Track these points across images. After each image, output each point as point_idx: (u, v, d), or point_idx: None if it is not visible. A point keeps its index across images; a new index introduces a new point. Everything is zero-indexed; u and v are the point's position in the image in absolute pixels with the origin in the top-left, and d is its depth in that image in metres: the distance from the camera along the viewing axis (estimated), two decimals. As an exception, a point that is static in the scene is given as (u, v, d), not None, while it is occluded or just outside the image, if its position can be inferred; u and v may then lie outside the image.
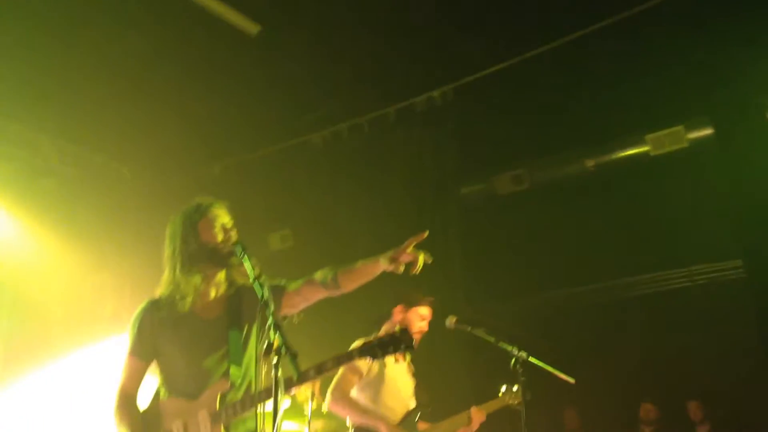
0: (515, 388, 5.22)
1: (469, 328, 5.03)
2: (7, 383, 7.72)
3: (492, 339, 4.89)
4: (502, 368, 4.87)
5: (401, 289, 5.38)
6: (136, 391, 3.63)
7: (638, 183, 7.47)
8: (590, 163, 7.64)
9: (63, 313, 8.22)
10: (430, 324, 5.27)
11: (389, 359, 5.09)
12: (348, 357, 3.49)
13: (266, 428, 3.13)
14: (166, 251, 3.71)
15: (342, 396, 4.93)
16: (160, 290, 3.69)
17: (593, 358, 7.54)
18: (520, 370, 4.72)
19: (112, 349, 7.93)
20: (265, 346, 3.10)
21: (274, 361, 3.06)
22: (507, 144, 7.71)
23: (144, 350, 3.60)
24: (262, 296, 3.24)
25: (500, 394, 5.29)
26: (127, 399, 3.57)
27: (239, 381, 3.54)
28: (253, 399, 3.37)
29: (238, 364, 3.57)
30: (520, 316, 8.26)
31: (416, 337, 5.20)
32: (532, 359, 4.75)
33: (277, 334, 3.10)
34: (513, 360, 4.75)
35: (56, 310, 8.19)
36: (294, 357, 3.10)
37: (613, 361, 7.68)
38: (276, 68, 7.15)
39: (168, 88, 7.23)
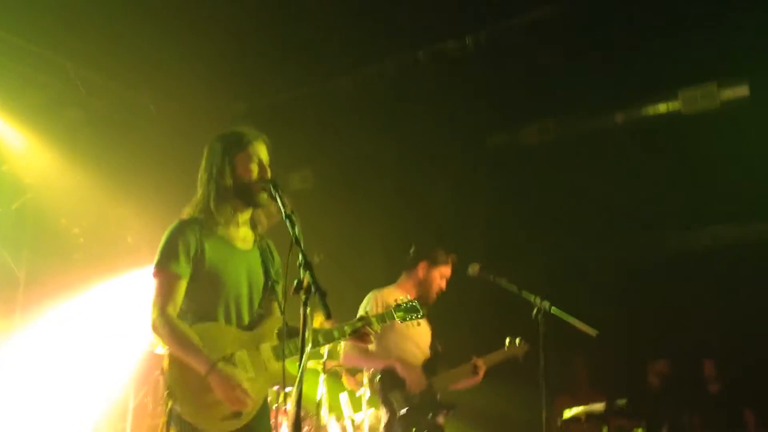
0: (518, 340, 5.28)
1: (491, 277, 5.04)
2: (30, 312, 7.84)
3: (514, 288, 4.90)
4: (521, 319, 4.89)
5: (427, 245, 5.43)
6: (175, 310, 3.48)
7: (667, 140, 7.37)
8: (620, 117, 7.55)
9: (85, 243, 8.29)
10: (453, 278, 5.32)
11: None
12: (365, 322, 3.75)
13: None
14: (202, 174, 3.69)
15: (353, 348, 4.98)
16: (190, 211, 3.65)
17: (612, 314, 7.54)
18: (542, 321, 4.72)
19: (134, 281, 8.03)
20: (294, 284, 3.13)
21: (304, 299, 3.10)
22: (536, 95, 7.62)
23: (186, 267, 3.50)
24: (294, 234, 3.25)
25: (505, 347, 5.32)
26: (175, 318, 3.43)
27: (279, 316, 3.61)
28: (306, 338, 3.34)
29: (276, 299, 3.61)
30: (542, 271, 8.23)
31: (434, 296, 5.34)
32: (554, 310, 4.76)
33: (307, 273, 3.12)
34: (535, 310, 4.76)
35: (78, 240, 8.26)
36: (323, 296, 3.13)
37: (631, 317, 7.68)
38: (302, 10, 7.06)
39: (198, 26, 7.16)
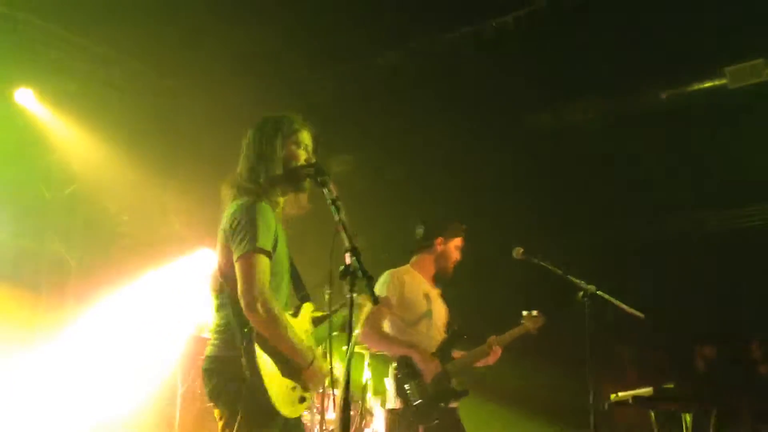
0: (534, 313, 5.23)
1: (536, 260, 5.01)
2: (82, 297, 8.00)
3: (559, 271, 4.88)
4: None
5: (438, 220, 5.42)
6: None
7: (713, 117, 7.25)
8: (664, 94, 7.43)
9: (133, 230, 8.43)
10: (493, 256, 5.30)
11: (419, 289, 5.15)
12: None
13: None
14: (250, 153, 3.64)
15: (372, 328, 4.97)
16: (242, 189, 3.56)
17: (655, 293, 7.47)
18: (588, 304, 4.69)
19: (181, 266, 8.16)
20: (341, 269, 3.15)
21: (350, 284, 3.12)
22: (578, 73, 7.53)
23: (271, 247, 3.42)
24: (339, 219, 3.27)
25: (522, 321, 5.27)
26: (274, 302, 3.33)
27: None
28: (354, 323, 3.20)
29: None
30: (582, 249, 8.18)
31: (451, 267, 5.33)
32: (600, 293, 4.72)
33: (354, 258, 3.14)
34: (581, 293, 4.72)
35: (126, 227, 8.40)
36: (370, 280, 3.15)
37: (675, 297, 7.60)
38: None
39: (232, 7, 7.19)
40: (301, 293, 3.73)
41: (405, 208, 8.67)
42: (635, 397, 5.45)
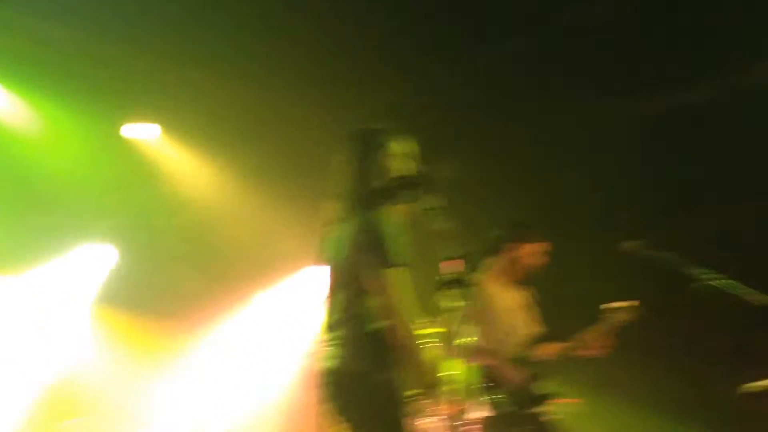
0: (622, 304, 5.03)
1: (653, 253, 4.81)
2: (203, 324, 8.25)
3: (679, 262, 4.67)
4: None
5: (509, 226, 5.29)
6: None
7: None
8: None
9: (245, 254, 8.62)
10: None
11: (497, 290, 5.03)
12: None
13: None
14: (349, 171, 3.65)
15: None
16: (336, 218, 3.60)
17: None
18: (711, 295, 4.49)
19: (291, 286, 8.30)
20: (440, 279, 3.17)
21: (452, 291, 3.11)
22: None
23: None
24: (442, 227, 3.28)
25: (606, 316, 5.06)
26: None
27: None
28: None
29: None
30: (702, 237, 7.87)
31: (525, 273, 5.22)
32: (721, 283, 4.50)
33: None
34: (701, 284, 4.52)
35: (238, 251, 8.59)
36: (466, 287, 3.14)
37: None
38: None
39: (334, 22, 7.25)
40: None
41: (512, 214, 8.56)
42: (768, 388, 5.16)
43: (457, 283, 3.12)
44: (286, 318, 8.39)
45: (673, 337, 7.36)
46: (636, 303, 5.08)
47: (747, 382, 5.28)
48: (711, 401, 4.43)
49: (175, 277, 8.61)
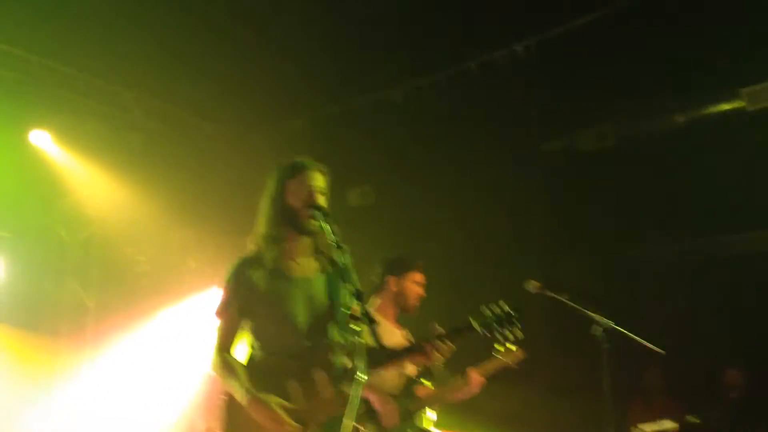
0: (512, 347, 5.14)
1: (552, 293, 4.92)
2: (100, 339, 8.02)
3: (577, 305, 4.79)
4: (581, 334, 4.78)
5: (388, 257, 5.29)
6: (233, 348, 3.67)
7: (732, 139, 7.13)
8: (680, 118, 7.35)
9: (150, 270, 8.46)
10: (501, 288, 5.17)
11: (382, 326, 5.02)
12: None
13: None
14: (260, 206, 3.77)
15: None
16: (250, 245, 3.74)
17: (678, 319, 7.35)
18: (605, 338, 4.60)
19: (198, 304, 8.17)
20: (348, 314, 3.13)
21: (358, 328, 3.08)
22: (591, 99, 7.48)
23: (238, 307, 3.63)
24: (343, 263, 3.25)
25: (495, 355, 5.16)
26: (228, 355, 3.62)
27: (339, 342, 3.59)
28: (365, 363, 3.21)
29: (334, 326, 3.62)
30: (601, 275, 8.08)
31: (414, 304, 5.15)
32: (618, 328, 4.62)
33: (359, 302, 3.13)
34: (600, 329, 4.62)
35: (143, 267, 8.43)
36: (373, 324, 3.12)
37: (697, 323, 7.46)
38: (354, 23, 7.07)
39: (249, 44, 7.23)
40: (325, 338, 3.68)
41: (426, 243, 8.61)
42: (659, 432, 5.32)
43: (356, 318, 3.08)
44: (189, 336, 8.19)
45: (570, 375, 7.52)
46: (521, 353, 5.16)
47: (636, 423, 5.44)
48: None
49: (72, 293, 8.31)
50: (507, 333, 3.87)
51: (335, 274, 3.67)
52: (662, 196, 7.58)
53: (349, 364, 3.52)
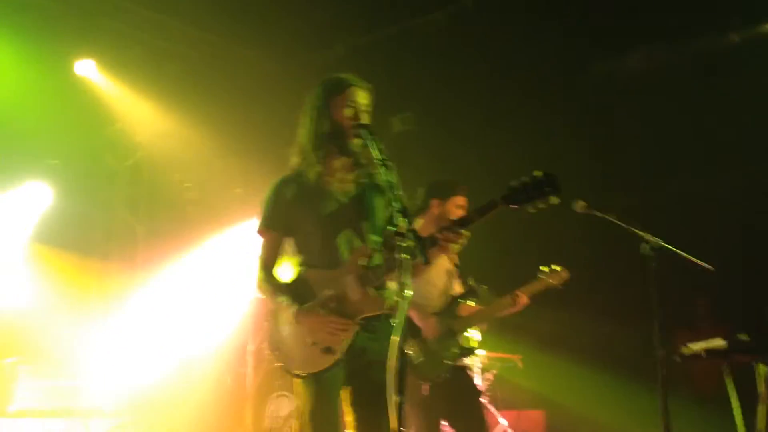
0: (558, 268, 5.12)
1: (599, 213, 4.85)
2: (150, 264, 8.17)
3: (623, 224, 4.73)
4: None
5: (434, 181, 5.26)
6: (276, 266, 3.70)
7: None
8: (735, 37, 7.11)
9: (198, 196, 8.54)
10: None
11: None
12: (491, 206, 3.33)
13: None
14: (303, 120, 3.71)
15: None
16: (295, 159, 3.70)
17: (727, 246, 7.25)
18: (653, 257, 4.54)
19: (244, 231, 8.24)
20: (392, 231, 3.10)
21: (399, 245, 3.06)
22: (640, 18, 7.24)
23: (280, 224, 3.65)
24: (388, 180, 3.21)
25: (540, 276, 5.14)
26: (272, 272, 3.66)
27: (377, 248, 3.58)
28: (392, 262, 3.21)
29: (374, 234, 3.63)
30: (653, 204, 7.97)
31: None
32: (666, 245, 4.56)
33: (404, 219, 3.09)
34: (646, 246, 4.56)
35: (191, 194, 8.51)
36: (421, 242, 3.10)
37: (750, 248, 7.35)
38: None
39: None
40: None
41: (467, 165, 8.55)
42: (708, 350, 5.26)
43: (401, 236, 3.05)
44: (236, 262, 8.31)
45: (618, 297, 7.50)
46: (567, 274, 5.14)
47: (685, 344, 5.40)
48: (651, 361, 4.47)
49: (122, 219, 8.46)
50: (538, 202, 3.30)
51: (374, 190, 3.67)
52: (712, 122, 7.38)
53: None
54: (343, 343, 3.46)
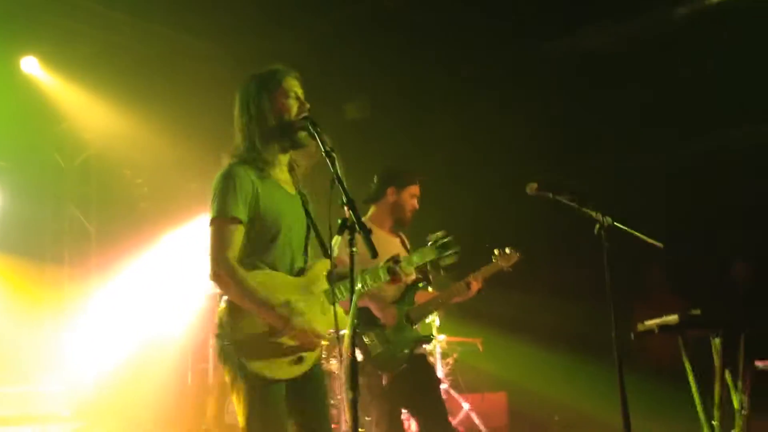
0: (508, 250, 5.15)
1: (551, 194, 4.87)
2: (103, 262, 8.07)
3: (575, 205, 4.74)
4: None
5: (390, 168, 5.27)
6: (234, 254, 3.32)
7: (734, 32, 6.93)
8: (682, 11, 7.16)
9: (149, 192, 8.43)
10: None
11: (378, 236, 5.01)
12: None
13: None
14: (240, 117, 3.49)
15: None
16: (237, 156, 3.45)
17: (689, 215, 7.36)
18: (605, 236, 4.57)
19: (200, 226, 8.16)
20: (339, 223, 3.08)
21: (348, 238, 3.04)
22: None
23: (244, 212, 3.32)
24: (334, 172, 3.18)
25: (494, 259, 5.18)
26: (237, 266, 3.26)
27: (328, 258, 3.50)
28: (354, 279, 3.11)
29: (322, 241, 3.56)
30: (608, 178, 8.04)
31: (409, 216, 5.15)
32: (617, 224, 4.59)
33: (351, 212, 3.07)
34: (597, 226, 4.59)
35: (143, 190, 8.40)
36: (367, 234, 3.07)
37: (708, 218, 7.45)
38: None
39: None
40: (323, 249, 3.60)
41: (424, 154, 8.53)
42: (661, 326, 5.32)
43: (353, 228, 3.03)
44: (192, 258, 8.23)
45: (572, 277, 7.56)
46: (517, 256, 5.17)
47: (640, 321, 5.45)
48: (609, 339, 4.50)
49: (73, 219, 8.32)
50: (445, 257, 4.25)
51: (304, 191, 3.62)
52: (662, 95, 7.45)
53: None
54: (314, 355, 3.40)
